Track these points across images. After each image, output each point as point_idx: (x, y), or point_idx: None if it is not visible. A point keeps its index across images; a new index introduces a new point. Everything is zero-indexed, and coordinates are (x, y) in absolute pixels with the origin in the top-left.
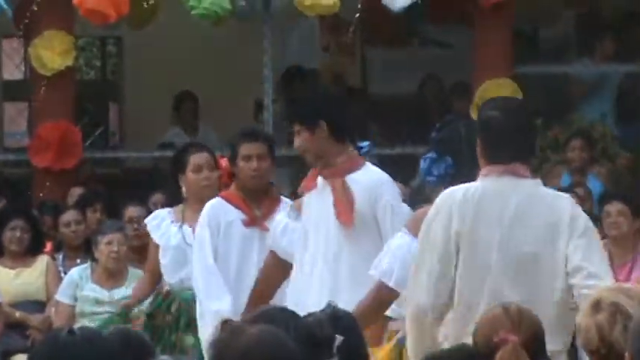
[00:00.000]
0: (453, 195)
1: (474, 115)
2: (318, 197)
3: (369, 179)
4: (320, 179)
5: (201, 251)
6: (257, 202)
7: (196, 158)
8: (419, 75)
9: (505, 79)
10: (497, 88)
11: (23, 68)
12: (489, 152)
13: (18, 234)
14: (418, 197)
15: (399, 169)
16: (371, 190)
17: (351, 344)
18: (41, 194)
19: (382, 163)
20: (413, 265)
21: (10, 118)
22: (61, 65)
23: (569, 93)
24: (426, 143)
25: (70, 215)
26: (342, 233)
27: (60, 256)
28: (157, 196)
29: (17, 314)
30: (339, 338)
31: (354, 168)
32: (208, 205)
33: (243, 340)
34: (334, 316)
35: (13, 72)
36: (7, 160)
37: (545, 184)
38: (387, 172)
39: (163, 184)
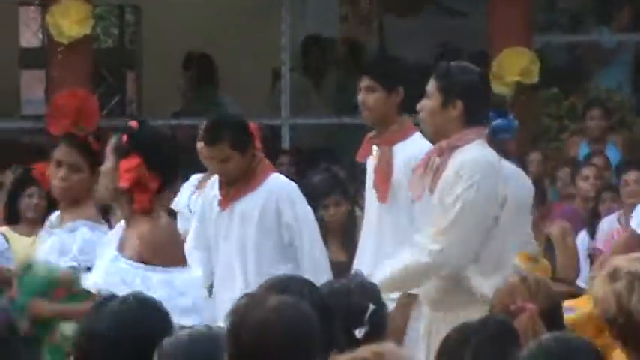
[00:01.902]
0: (494, 159)
1: (492, 85)
2: (372, 164)
3: (411, 150)
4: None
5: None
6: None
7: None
8: (437, 44)
9: (522, 49)
10: (515, 57)
11: (41, 36)
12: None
13: (35, 201)
14: None
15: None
16: (409, 160)
17: (379, 314)
18: None
19: None
20: (449, 219)
21: (27, 86)
22: (79, 33)
23: (587, 62)
24: None
25: None
26: (381, 206)
27: None
28: None
29: None
30: (371, 307)
31: (403, 137)
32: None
33: (261, 311)
34: (364, 285)
35: (31, 40)
36: (24, 127)
37: (563, 153)
38: None
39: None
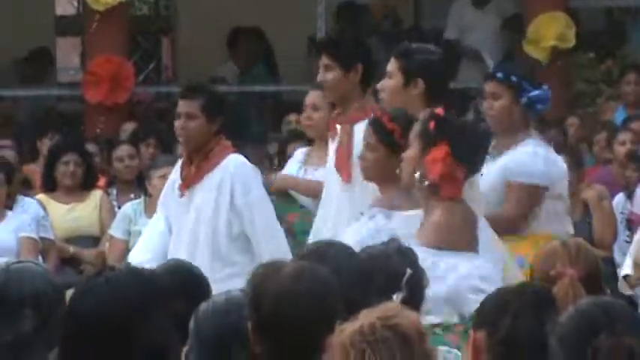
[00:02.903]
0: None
1: (527, 50)
2: (333, 145)
3: None
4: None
5: None
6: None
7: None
8: None
9: (558, 13)
10: (550, 21)
11: (76, 3)
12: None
13: (71, 168)
14: None
15: (452, 103)
16: None
17: (416, 278)
18: (96, 129)
19: None
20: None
21: (63, 54)
22: (114, 0)
23: (623, 26)
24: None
25: (123, 150)
26: (342, 186)
27: (113, 191)
28: None
29: (71, 249)
30: (408, 272)
31: (364, 116)
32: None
33: (277, 282)
34: (401, 250)
35: (66, 7)
36: (60, 95)
37: (599, 118)
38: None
39: None
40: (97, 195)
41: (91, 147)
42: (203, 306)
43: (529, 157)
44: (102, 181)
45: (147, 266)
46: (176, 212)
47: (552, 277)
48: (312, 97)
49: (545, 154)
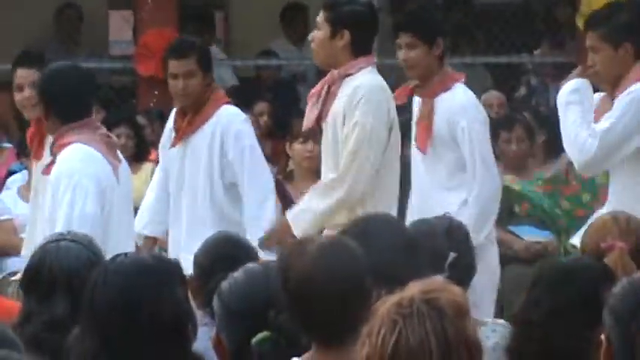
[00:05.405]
0: (384, 84)
1: (579, 24)
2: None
3: (450, 103)
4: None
5: None
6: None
7: None
8: None
9: None
10: None
11: None
12: None
13: (122, 141)
14: (523, 105)
15: (504, 78)
16: (448, 113)
17: (463, 259)
18: (148, 102)
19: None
20: (349, 149)
21: (115, 27)
22: None
23: None
24: (531, 52)
25: None
26: (422, 156)
27: None
28: (261, 105)
29: None
30: (452, 255)
31: (444, 88)
32: None
33: (302, 260)
34: (450, 230)
35: None
36: (112, 68)
37: None
38: (492, 82)
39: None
40: (148, 168)
41: (142, 120)
42: (224, 284)
43: None
44: (154, 154)
45: (145, 232)
46: (172, 162)
47: (602, 251)
48: None
49: None
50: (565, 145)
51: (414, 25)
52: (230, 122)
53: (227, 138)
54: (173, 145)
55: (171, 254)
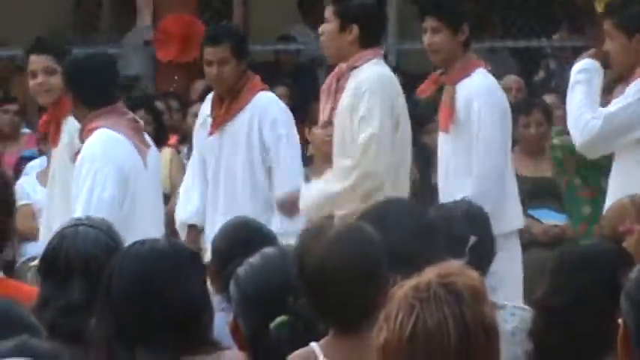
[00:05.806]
0: (392, 75)
1: (598, 8)
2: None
3: (469, 89)
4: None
5: None
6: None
7: None
8: None
9: None
10: None
11: None
12: None
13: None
14: (542, 89)
15: (523, 62)
16: (468, 98)
17: (483, 243)
18: (167, 87)
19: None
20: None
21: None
22: None
23: None
24: (550, 37)
25: (197, 107)
26: (442, 138)
27: (185, 149)
28: (280, 90)
29: None
30: (472, 239)
31: (466, 74)
32: None
33: (319, 246)
34: (469, 214)
35: None
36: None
37: None
38: (511, 65)
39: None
40: (167, 152)
41: (160, 105)
42: (241, 270)
43: None
44: (173, 139)
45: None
46: (210, 149)
47: (621, 234)
48: None
49: None
50: (568, 123)
51: (440, 10)
52: (267, 109)
53: (264, 124)
54: (211, 133)
55: (208, 241)
